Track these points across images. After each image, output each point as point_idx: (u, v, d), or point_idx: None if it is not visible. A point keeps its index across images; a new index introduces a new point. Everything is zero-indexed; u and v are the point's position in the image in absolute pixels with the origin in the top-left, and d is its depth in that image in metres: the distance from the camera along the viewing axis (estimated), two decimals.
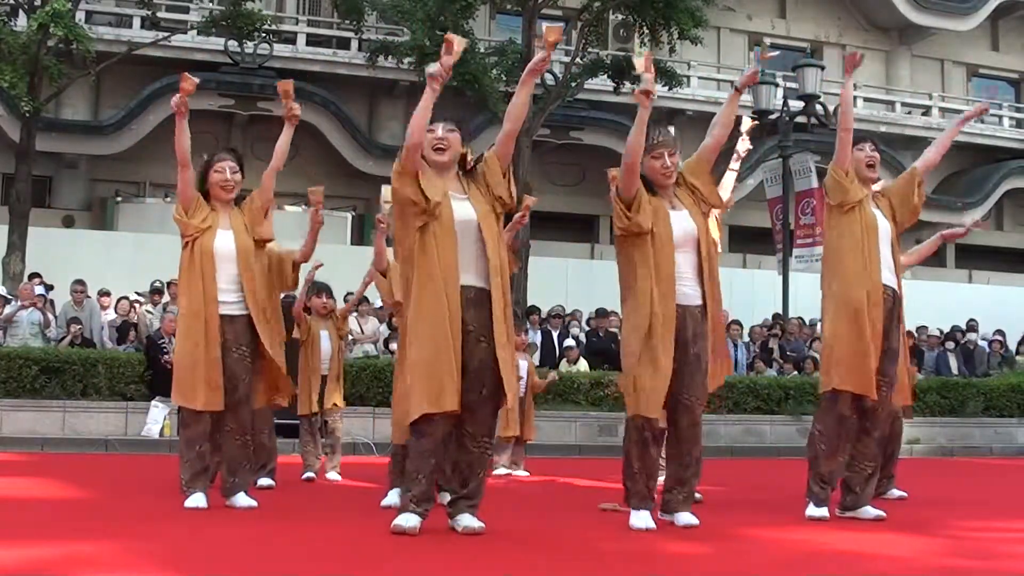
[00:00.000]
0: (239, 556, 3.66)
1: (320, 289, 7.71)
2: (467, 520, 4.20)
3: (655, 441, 4.56)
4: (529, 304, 15.56)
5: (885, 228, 5.13)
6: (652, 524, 4.45)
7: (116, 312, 12.63)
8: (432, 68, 4.23)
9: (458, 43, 4.22)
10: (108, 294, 13.12)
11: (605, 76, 18.33)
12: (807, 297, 17.37)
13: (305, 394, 7.30)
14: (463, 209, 4.25)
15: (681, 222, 4.64)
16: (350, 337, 12.24)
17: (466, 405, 4.12)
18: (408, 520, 4.05)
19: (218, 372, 4.93)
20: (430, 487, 4.15)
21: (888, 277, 5.06)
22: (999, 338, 16.96)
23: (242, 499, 5.03)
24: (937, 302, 17.96)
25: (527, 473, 8.10)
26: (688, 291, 4.62)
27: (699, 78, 23.69)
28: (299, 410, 7.33)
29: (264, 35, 18.12)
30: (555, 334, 14.03)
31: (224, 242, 5.11)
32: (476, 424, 4.22)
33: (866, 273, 4.97)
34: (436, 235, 4.16)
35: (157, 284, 12.95)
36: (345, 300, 13.41)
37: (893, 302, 5.06)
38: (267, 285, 5.45)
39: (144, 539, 3.94)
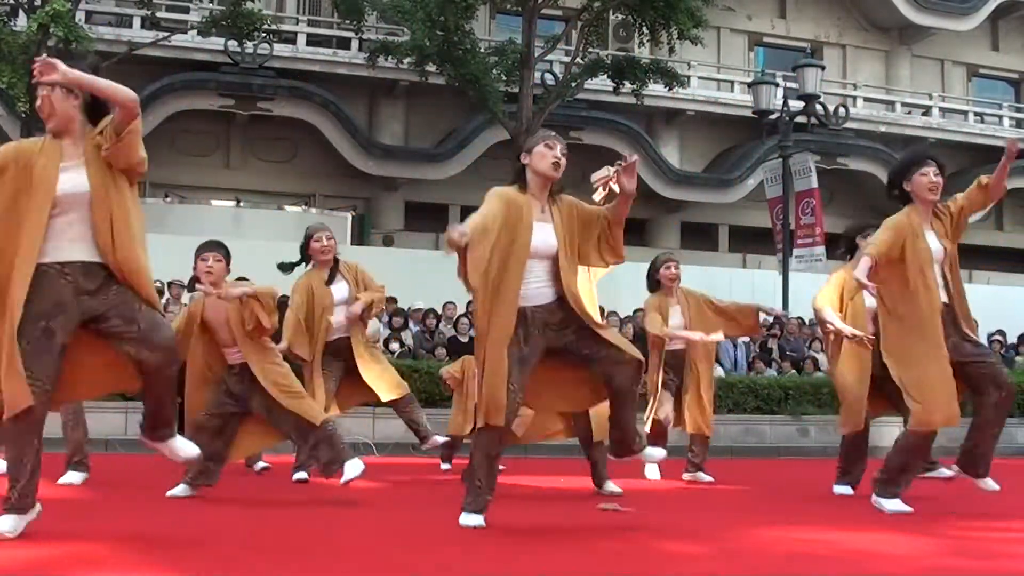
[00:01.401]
0: (239, 556, 3.66)
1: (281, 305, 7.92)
2: None
3: (498, 456, 4.46)
4: None
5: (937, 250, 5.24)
6: (482, 523, 4.32)
7: None
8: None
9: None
10: None
11: (605, 76, 18.34)
12: (807, 297, 17.38)
13: None
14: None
15: (540, 233, 4.48)
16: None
17: None
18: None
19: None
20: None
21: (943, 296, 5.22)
22: (999, 338, 16.95)
23: None
24: None
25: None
26: (543, 289, 4.47)
27: (699, 78, 23.72)
28: None
29: (264, 35, 18.11)
30: None
31: None
32: None
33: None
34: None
35: (157, 284, 12.90)
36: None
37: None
38: None
39: (144, 539, 3.94)
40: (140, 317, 3.81)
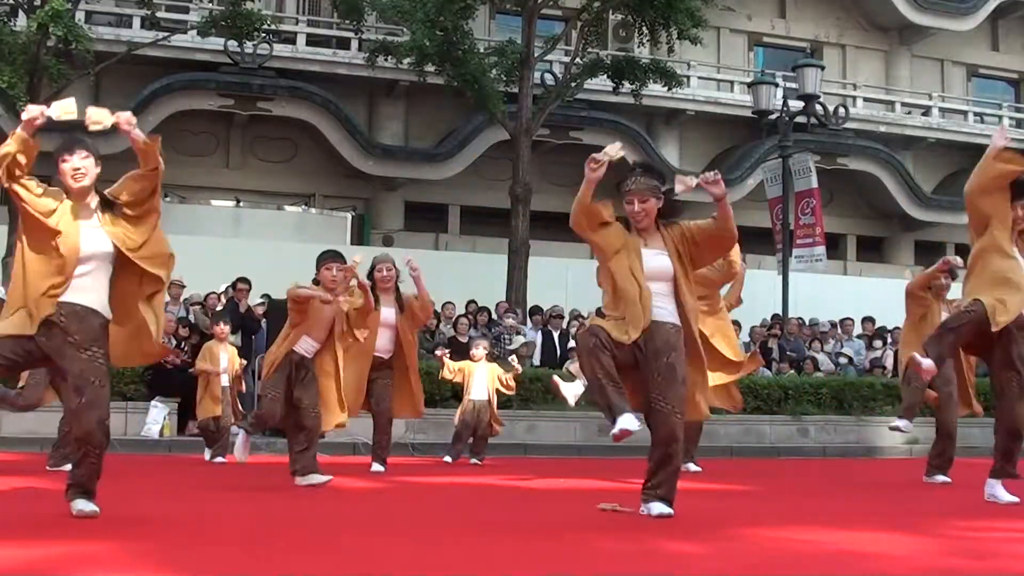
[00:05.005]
0: (239, 556, 3.66)
1: (219, 319, 9.61)
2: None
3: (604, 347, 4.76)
4: (530, 304, 15.55)
5: None
6: (635, 424, 4.61)
7: None
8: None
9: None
10: None
11: (605, 76, 18.32)
12: (807, 297, 17.42)
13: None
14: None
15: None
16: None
17: None
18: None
19: None
20: None
21: None
22: None
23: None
24: None
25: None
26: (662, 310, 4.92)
27: (699, 78, 23.70)
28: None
29: (264, 35, 18.09)
30: (555, 334, 14.03)
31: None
32: None
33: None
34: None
35: None
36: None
37: None
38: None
39: (144, 539, 3.94)
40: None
